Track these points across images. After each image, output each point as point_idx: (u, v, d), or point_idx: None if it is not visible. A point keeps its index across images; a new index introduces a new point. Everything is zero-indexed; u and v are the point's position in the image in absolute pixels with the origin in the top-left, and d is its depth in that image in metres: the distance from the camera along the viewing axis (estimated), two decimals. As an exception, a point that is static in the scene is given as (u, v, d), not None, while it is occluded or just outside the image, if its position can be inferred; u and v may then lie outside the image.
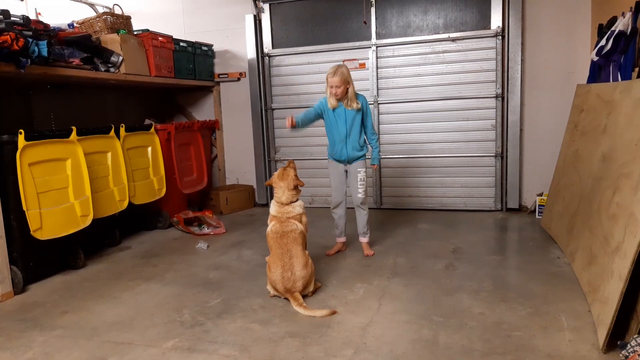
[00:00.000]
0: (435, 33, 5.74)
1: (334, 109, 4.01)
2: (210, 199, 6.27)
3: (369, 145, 4.26)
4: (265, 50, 6.35)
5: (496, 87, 5.61)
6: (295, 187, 3.54)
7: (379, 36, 5.93)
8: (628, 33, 3.74)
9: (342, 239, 4.37)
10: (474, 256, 4.15)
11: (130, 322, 3.10)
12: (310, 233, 3.85)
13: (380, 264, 4.03)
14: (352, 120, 4.05)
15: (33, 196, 3.68)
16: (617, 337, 2.51)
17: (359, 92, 4.11)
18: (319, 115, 4.12)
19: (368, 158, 4.27)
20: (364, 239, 4.30)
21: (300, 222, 3.48)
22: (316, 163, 6.32)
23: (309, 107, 6.19)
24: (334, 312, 3.08)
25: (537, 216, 5.36)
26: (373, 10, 5.87)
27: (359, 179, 4.16)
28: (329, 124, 4.13)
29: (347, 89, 3.90)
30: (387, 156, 6.09)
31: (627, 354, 2.34)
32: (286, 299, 3.27)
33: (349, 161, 4.18)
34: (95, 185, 4.28)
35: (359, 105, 3.99)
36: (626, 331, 2.54)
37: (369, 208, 4.35)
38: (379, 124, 6.04)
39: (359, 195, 4.19)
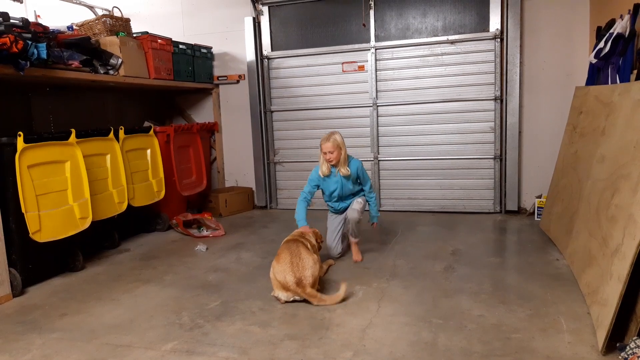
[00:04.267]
0: (434, 35, 5.75)
1: (325, 177, 4.10)
2: (210, 201, 6.26)
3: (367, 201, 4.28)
4: (265, 53, 6.36)
5: (495, 89, 5.62)
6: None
7: (378, 39, 5.94)
8: (626, 35, 3.75)
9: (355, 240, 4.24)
10: (473, 258, 4.15)
11: (129, 324, 3.10)
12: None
13: (380, 266, 4.03)
14: (344, 184, 4.13)
15: (32, 198, 3.67)
16: (616, 339, 2.51)
17: (351, 156, 4.16)
18: (314, 193, 4.19)
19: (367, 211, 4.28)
20: (354, 239, 4.21)
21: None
22: (314, 165, 6.31)
23: (307, 109, 6.33)
24: (345, 298, 3.24)
25: (536, 218, 5.37)
26: (372, 12, 5.88)
27: (358, 202, 4.15)
28: (324, 187, 4.23)
29: (340, 154, 3.98)
30: (387, 158, 6.10)
31: (627, 356, 2.34)
32: (302, 301, 3.23)
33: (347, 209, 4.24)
34: (94, 188, 4.28)
35: (348, 172, 4.04)
36: (625, 333, 2.54)
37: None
38: (378, 127, 6.05)
39: (357, 207, 4.11)
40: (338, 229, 4.26)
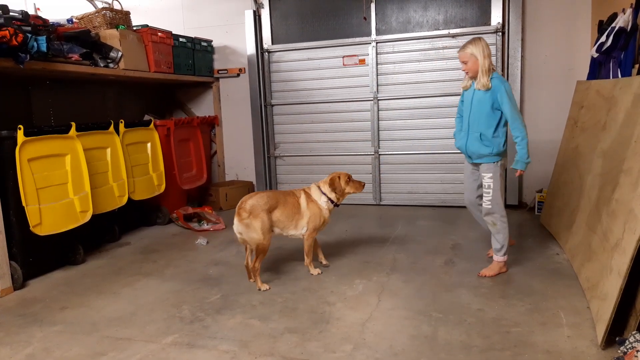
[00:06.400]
0: (436, 29, 5.73)
1: (464, 90, 3.53)
2: (210, 195, 6.26)
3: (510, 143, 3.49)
4: (265, 46, 6.33)
5: (496, 83, 5.59)
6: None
7: (379, 32, 5.92)
8: (628, 30, 3.73)
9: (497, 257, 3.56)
10: (474, 252, 4.15)
11: (129, 317, 3.11)
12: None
13: (380, 260, 4.03)
14: (478, 103, 3.42)
15: (32, 192, 3.67)
16: (615, 333, 2.51)
17: (500, 76, 3.42)
18: (462, 109, 3.63)
19: (495, 155, 3.44)
20: (495, 257, 3.57)
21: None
22: (316, 159, 6.33)
23: (308, 102, 6.32)
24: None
25: (536, 213, 5.36)
26: (373, 6, 5.86)
27: (484, 186, 3.50)
28: (460, 107, 3.68)
29: (477, 64, 3.32)
30: (387, 152, 6.09)
31: (626, 350, 2.35)
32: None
33: (471, 156, 3.56)
34: (94, 181, 4.28)
35: (486, 85, 3.30)
36: (625, 327, 2.55)
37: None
38: (378, 121, 6.04)
39: (484, 205, 3.51)
40: (470, 185, 3.63)
